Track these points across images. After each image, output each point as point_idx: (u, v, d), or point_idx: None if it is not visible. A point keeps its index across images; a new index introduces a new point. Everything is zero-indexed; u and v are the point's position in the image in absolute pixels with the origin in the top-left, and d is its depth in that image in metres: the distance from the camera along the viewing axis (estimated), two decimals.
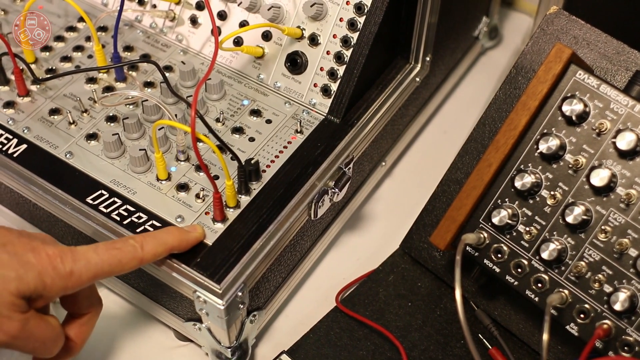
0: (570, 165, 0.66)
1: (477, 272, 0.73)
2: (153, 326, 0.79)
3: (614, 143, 0.64)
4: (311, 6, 0.78)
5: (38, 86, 0.81)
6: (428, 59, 0.85)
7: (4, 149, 0.76)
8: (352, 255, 0.84)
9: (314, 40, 0.79)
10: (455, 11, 0.89)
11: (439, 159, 0.87)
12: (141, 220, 0.71)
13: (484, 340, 0.74)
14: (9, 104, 0.79)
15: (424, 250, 0.80)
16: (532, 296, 0.67)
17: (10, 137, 0.77)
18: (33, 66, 0.82)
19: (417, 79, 0.85)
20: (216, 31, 0.75)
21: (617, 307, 0.62)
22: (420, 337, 0.76)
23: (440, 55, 0.89)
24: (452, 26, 0.89)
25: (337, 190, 0.75)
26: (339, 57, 0.78)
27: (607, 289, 0.64)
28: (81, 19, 0.88)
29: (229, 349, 0.73)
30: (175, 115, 0.75)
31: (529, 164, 0.67)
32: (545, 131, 0.66)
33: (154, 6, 0.87)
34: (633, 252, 0.63)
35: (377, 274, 0.81)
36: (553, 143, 0.66)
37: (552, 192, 0.66)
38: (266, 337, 0.78)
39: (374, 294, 0.79)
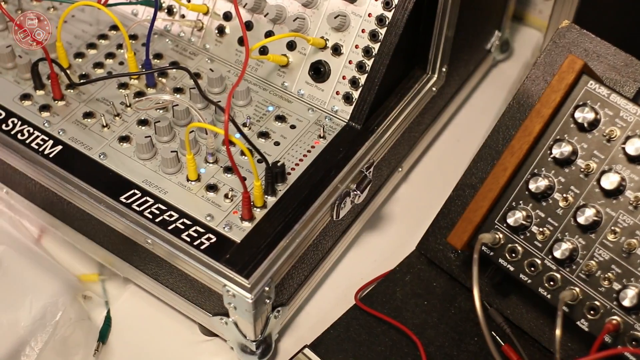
0: (581, 170, 0.70)
1: (491, 271, 0.76)
2: (179, 322, 0.82)
3: (624, 149, 0.67)
4: (335, 18, 0.82)
5: (72, 91, 0.85)
6: (444, 69, 0.89)
7: (40, 149, 0.80)
8: (371, 255, 0.88)
9: (336, 50, 0.83)
10: (470, 25, 0.93)
11: (452, 166, 0.91)
12: (172, 219, 0.75)
13: (497, 337, 0.78)
14: (45, 107, 0.83)
15: (440, 251, 0.84)
16: (545, 293, 0.71)
17: (46, 138, 0.81)
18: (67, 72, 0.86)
19: (434, 89, 0.89)
20: (247, 39, 0.78)
21: (626, 303, 0.66)
22: (436, 334, 0.79)
23: (455, 67, 0.93)
24: (466, 39, 0.94)
25: (358, 192, 0.79)
26: (360, 67, 0.82)
27: (616, 286, 0.67)
28: (112, 28, 0.92)
29: (254, 343, 0.76)
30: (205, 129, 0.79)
31: (543, 168, 0.71)
32: (558, 137, 0.70)
33: (183, 16, 0.91)
34: None
35: (394, 274, 0.84)
36: (566, 149, 0.70)
37: (564, 195, 0.70)
38: (288, 332, 0.82)
39: (392, 293, 0.83)
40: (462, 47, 0.92)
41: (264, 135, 0.81)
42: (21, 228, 0.88)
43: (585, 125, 0.69)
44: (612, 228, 0.68)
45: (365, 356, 0.78)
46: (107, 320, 0.82)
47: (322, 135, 0.82)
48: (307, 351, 0.77)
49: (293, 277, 0.78)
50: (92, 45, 0.90)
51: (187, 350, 0.81)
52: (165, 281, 0.80)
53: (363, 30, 0.82)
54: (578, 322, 0.69)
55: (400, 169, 0.92)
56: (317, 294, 0.84)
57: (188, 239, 0.73)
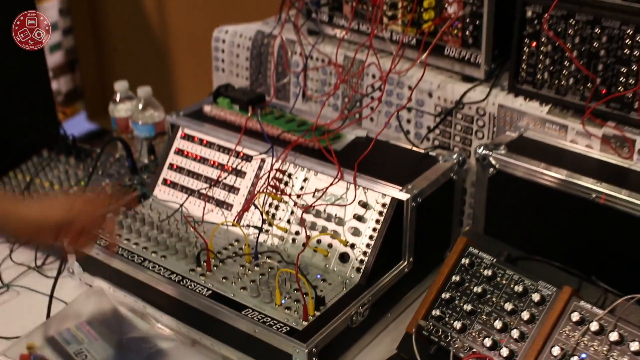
0: (467, 286, 1.44)
1: (431, 347, 1.47)
2: None
3: (484, 275, 1.42)
4: (352, 228, 1.62)
5: (216, 267, 1.64)
6: (411, 260, 1.66)
7: (200, 292, 1.57)
8: (372, 353, 1.58)
9: (353, 246, 1.62)
10: (426, 241, 1.71)
11: None
12: (268, 320, 1.48)
13: None
14: (202, 274, 1.61)
15: (407, 349, 1.54)
16: (451, 349, 1.41)
17: (203, 287, 1.58)
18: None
19: (406, 270, 1.65)
20: (308, 241, 1.58)
21: (487, 344, 1.37)
22: None
23: (419, 262, 1.68)
24: (424, 249, 1.71)
25: (361, 311, 1.53)
26: (364, 253, 1.60)
27: (484, 339, 1.38)
28: (236, 240, 1.72)
29: None
30: (284, 278, 1.57)
31: (449, 288, 1.45)
32: (455, 272, 1.46)
33: (273, 233, 1.71)
34: (494, 322, 1.38)
35: None
36: (458, 278, 1.45)
37: (460, 300, 1.44)
38: None
39: None
40: (422, 252, 1.69)
41: (315, 287, 1.57)
42: (180, 338, 1.62)
43: (467, 266, 1.45)
44: (482, 313, 1.41)
45: None
46: None
47: (344, 287, 1.58)
48: None
49: (328, 351, 1.49)
50: (232, 253, 1.71)
51: None
52: (262, 357, 1.52)
53: (366, 235, 1.61)
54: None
55: (389, 315, 1.65)
56: None
57: (276, 329, 1.47)
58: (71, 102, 3.90)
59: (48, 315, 1.66)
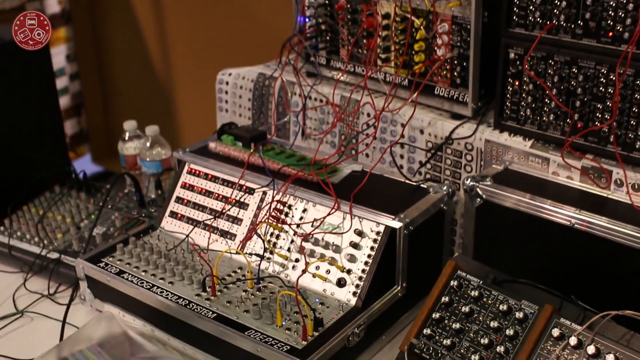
0: (455, 307, 1.54)
1: None
2: None
3: (472, 296, 1.53)
4: (348, 254, 1.72)
5: (220, 292, 1.74)
6: (404, 285, 1.76)
7: (205, 315, 1.66)
8: None
9: (349, 272, 1.72)
10: (421, 267, 1.81)
11: None
12: (270, 340, 1.58)
13: None
14: (207, 299, 1.71)
15: None
16: None
17: (208, 310, 1.68)
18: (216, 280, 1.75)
19: (399, 294, 1.76)
20: (307, 266, 1.69)
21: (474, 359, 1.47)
22: None
23: (411, 287, 1.79)
24: (418, 275, 1.81)
25: (358, 332, 1.63)
26: (360, 278, 1.70)
27: (471, 355, 1.48)
28: (239, 268, 1.83)
29: None
30: (285, 302, 1.67)
31: (439, 309, 1.55)
32: (445, 293, 1.56)
33: (274, 260, 1.82)
34: (480, 339, 1.48)
35: None
36: (447, 299, 1.55)
37: (449, 319, 1.54)
38: None
39: None
40: (415, 278, 1.80)
41: (314, 309, 1.67)
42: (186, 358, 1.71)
43: (455, 288, 1.55)
44: (469, 332, 1.51)
45: None
46: None
47: (341, 310, 1.68)
48: None
49: None
50: (232, 282, 1.81)
51: None
52: None
53: (362, 261, 1.72)
54: None
55: (383, 337, 1.75)
56: None
57: (277, 348, 1.56)
58: (77, 145, 4.03)
59: (61, 339, 1.76)
